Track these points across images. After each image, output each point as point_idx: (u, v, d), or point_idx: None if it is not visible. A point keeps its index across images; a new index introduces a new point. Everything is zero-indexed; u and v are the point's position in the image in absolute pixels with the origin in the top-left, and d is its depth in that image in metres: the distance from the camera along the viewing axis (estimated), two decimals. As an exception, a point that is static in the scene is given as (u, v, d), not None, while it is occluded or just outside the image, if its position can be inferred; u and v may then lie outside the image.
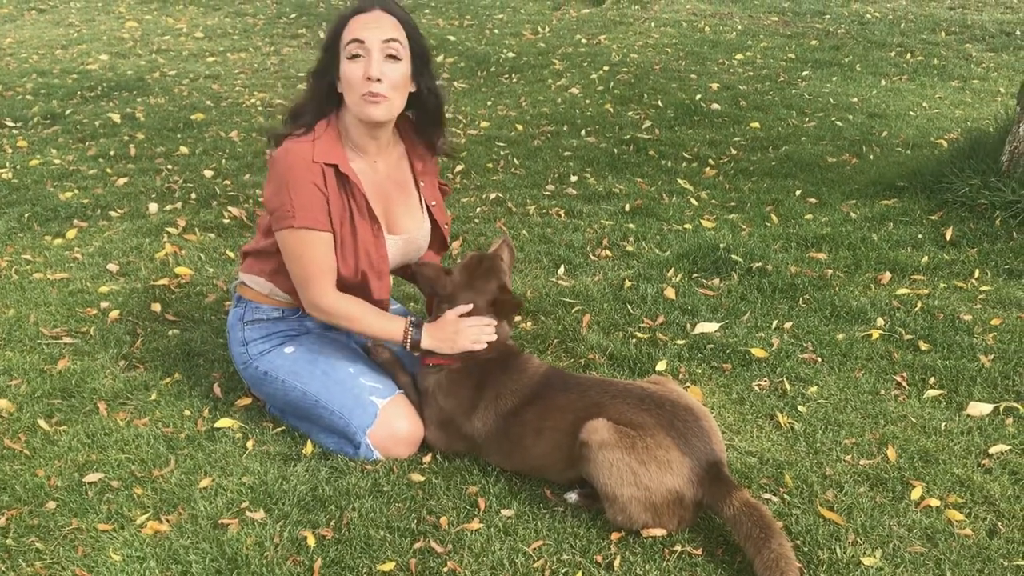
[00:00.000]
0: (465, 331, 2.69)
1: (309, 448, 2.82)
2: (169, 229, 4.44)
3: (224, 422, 2.94)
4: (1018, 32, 9.23)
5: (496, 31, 9.36)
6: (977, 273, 3.96)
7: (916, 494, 2.63)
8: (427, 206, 2.96)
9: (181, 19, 10.23)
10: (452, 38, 8.96)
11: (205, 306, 3.72)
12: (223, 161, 5.49)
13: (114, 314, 3.62)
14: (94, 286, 3.85)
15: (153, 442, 2.84)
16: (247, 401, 3.07)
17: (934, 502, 2.59)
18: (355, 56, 2.62)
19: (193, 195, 4.91)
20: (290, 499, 2.59)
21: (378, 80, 2.61)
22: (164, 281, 3.91)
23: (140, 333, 3.50)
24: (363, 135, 2.75)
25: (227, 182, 5.12)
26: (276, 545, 2.42)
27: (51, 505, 2.56)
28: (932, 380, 3.23)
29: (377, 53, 2.62)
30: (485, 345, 2.70)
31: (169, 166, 5.37)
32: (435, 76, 2.81)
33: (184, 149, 5.68)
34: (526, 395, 2.64)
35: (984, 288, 3.84)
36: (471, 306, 2.73)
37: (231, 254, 4.20)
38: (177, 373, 3.22)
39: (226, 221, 4.58)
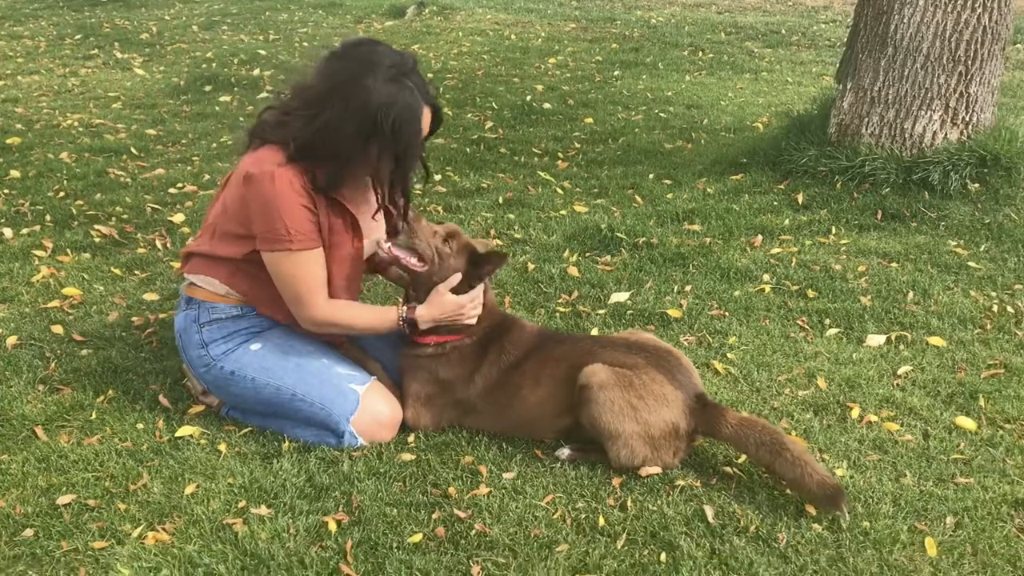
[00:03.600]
0: (465, 305, 2.76)
1: (286, 444, 2.76)
2: (37, 252, 4.13)
3: (185, 430, 2.82)
4: (783, 31, 10.25)
5: (305, 44, 9.25)
6: (834, 230, 4.45)
7: (855, 414, 2.96)
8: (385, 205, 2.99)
9: (-53, 44, 9.36)
10: (263, 52, 8.77)
11: (111, 324, 3.51)
12: (65, 182, 5.13)
13: (12, 340, 3.34)
14: (-26, 315, 3.53)
15: (117, 458, 2.68)
16: (200, 408, 2.95)
17: (872, 418, 2.94)
18: None
19: (48, 217, 4.57)
20: (289, 492, 2.54)
21: None
22: (55, 303, 3.64)
23: (51, 356, 3.26)
24: None
25: (80, 202, 4.80)
26: (294, 536, 2.37)
27: (28, 533, 2.37)
28: (828, 321, 3.61)
29: None
30: (475, 319, 2.78)
31: (6, 190, 4.96)
32: None
33: (15, 172, 5.25)
34: (526, 349, 2.77)
35: (843, 242, 4.32)
36: (459, 276, 2.78)
37: (117, 271, 3.97)
38: (111, 390, 3.03)
39: (97, 240, 4.31)
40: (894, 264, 4.09)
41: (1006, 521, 2.47)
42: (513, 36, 9.64)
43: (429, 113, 2.67)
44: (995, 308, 3.69)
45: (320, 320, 2.72)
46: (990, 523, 2.46)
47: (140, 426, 2.85)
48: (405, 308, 2.78)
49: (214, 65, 8.28)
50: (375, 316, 2.79)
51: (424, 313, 2.76)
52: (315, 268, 2.66)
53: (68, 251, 4.18)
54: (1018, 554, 2.35)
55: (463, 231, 2.90)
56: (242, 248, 2.71)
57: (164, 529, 2.40)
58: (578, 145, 6.10)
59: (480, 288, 2.81)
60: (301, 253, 2.62)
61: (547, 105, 7.03)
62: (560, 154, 5.90)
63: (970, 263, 4.08)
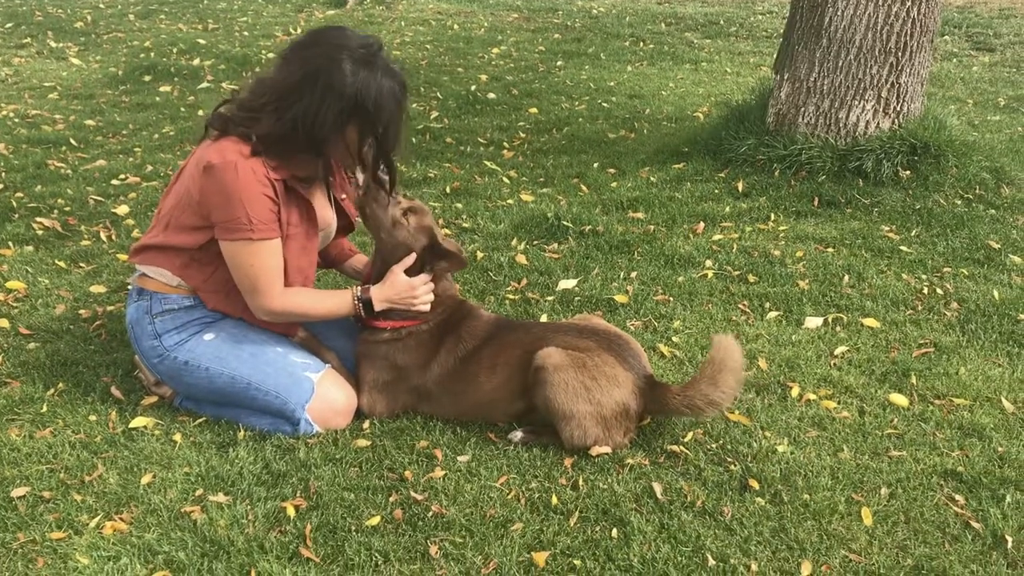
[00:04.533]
0: (417, 287, 2.80)
1: (242, 433, 2.78)
2: (-23, 246, 4.07)
3: (139, 421, 2.82)
4: (721, 22, 10.44)
5: (246, 33, 9.17)
6: (772, 216, 4.59)
7: (795, 392, 3.08)
8: (336, 200, 3.02)
9: None
10: (202, 41, 8.67)
11: (58, 317, 3.48)
12: (3, 174, 5.05)
13: (-44, 334, 3.30)
14: (-84, 310, 3.48)
15: (70, 450, 2.68)
16: (153, 399, 2.95)
17: (811, 396, 3.06)
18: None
19: (-13, 210, 4.50)
20: (246, 479, 2.57)
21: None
22: (-1, 296, 3.61)
23: (-3, 350, 3.23)
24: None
25: (20, 194, 4.73)
26: (252, 522, 2.41)
27: (-17, 525, 2.37)
28: (768, 305, 3.74)
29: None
30: (429, 306, 2.83)
31: (-58, 183, 4.87)
32: None
33: (-50, 165, 5.15)
34: (482, 337, 2.82)
35: (782, 228, 4.46)
36: (414, 257, 2.83)
37: (62, 264, 3.94)
38: (61, 383, 3.02)
39: (40, 232, 4.25)
40: (830, 249, 4.24)
41: (936, 491, 2.60)
42: (456, 26, 9.67)
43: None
44: (925, 290, 3.85)
45: (276, 310, 2.74)
46: (921, 493, 2.59)
47: (93, 418, 2.85)
48: (360, 289, 2.81)
49: (153, 55, 8.16)
50: (331, 301, 2.82)
51: (378, 293, 2.80)
52: (273, 258, 2.68)
53: (10, 244, 4.12)
54: (947, 521, 2.48)
55: (430, 213, 2.94)
56: (197, 238, 2.72)
57: (122, 519, 2.41)
58: (523, 135, 6.17)
59: (426, 275, 2.85)
60: (261, 243, 2.63)
61: (492, 95, 7.08)
62: (506, 144, 5.96)
63: (902, 247, 4.25)
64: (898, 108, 4.89)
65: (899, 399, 3.05)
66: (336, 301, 2.82)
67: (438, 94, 7.06)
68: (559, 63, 8.25)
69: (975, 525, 2.47)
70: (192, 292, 2.83)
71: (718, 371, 2.63)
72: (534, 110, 6.74)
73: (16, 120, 6.21)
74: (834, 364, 3.29)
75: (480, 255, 4.16)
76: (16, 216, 4.46)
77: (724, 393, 2.64)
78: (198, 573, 2.23)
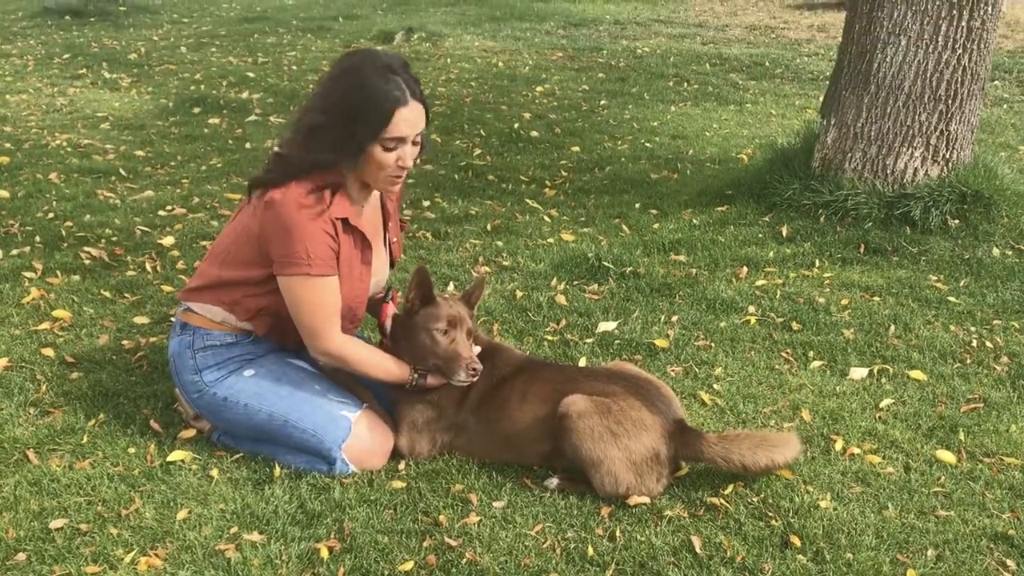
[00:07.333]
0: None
1: (278, 470, 2.78)
2: (27, 274, 4.13)
3: (177, 455, 2.84)
4: (767, 63, 10.40)
5: (295, 68, 9.32)
6: (817, 263, 4.53)
7: (839, 446, 3.02)
8: (389, 243, 3.04)
9: (-66, 61, 9.35)
10: (251, 75, 8.83)
11: (101, 347, 3.52)
12: (55, 203, 5.14)
13: (2, 361, 3.34)
14: (-35, 336, 3.54)
15: (108, 482, 2.69)
16: (191, 433, 2.97)
17: (855, 450, 2.99)
18: (392, 148, 2.66)
19: (37, 238, 4.57)
20: (281, 518, 2.56)
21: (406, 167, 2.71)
22: (46, 325, 3.65)
23: (41, 378, 3.26)
24: (360, 192, 2.79)
25: (69, 223, 4.82)
26: (286, 562, 2.39)
27: (21, 557, 2.38)
28: (812, 354, 3.67)
29: (410, 145, 2.68)
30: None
31: (-4, 211, 4.97)
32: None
33: (4, 193, 5.26)
34: (514, 367, 2.88)
35: (827, 275, 4.40)
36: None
37: (107, 294, 3.99)
38: (102, 414, 3.04)
39: (87, 262, 4.32)
40: (876, 298, 4.17)
41: (985, 555, 2.52)
42: (501, 64, 9.74)
43: (416, 105, 2.66)
44: (974, 343, 3.76)
45: (332, 352, 2.76)
46: (970, 556, 2.51)
47: (132, 450, 2.86)
48: (417, 374, 2.83)
49: (203, 87, 8.32)
50: (386, 370, 2.83)
51: (435, 380, 2.84)
52: (331, 296, 2.70)
53: (58, 273, 4.19)
54: (997, 587, 2.40)
55: (463, 312, 2.90)
56: (255, 273, 2.74)
57: (156, 554, 2.41)
58: (565, 173, 6.18)
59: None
60: (319, 279, 2.65)
61: (534, 133, 7.11)
62: (547, 182, 5.97)
63: (950, 298, 4.16)
64: (947, 156, 4.82)
65: (947, 456, 2.97)
66: (392, 374, 2.83)
67: (481, 131, 7.10)
68: (602, 102, 8.27)
69: (1027, 592, 2.38)
70: (235, 330, 2.85)
71: (764, 446, 2.63)
72: (576, 149, 6.75)
73: (69, 149, 6.34)
74: (879, 417, 3.21)
75: (519, 294, 4.15)
76: (65, 245, 4.53)
77: (759, 465, 2.65)
78: (230, 614, 2.22)
